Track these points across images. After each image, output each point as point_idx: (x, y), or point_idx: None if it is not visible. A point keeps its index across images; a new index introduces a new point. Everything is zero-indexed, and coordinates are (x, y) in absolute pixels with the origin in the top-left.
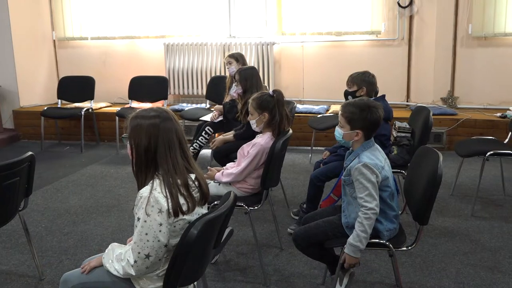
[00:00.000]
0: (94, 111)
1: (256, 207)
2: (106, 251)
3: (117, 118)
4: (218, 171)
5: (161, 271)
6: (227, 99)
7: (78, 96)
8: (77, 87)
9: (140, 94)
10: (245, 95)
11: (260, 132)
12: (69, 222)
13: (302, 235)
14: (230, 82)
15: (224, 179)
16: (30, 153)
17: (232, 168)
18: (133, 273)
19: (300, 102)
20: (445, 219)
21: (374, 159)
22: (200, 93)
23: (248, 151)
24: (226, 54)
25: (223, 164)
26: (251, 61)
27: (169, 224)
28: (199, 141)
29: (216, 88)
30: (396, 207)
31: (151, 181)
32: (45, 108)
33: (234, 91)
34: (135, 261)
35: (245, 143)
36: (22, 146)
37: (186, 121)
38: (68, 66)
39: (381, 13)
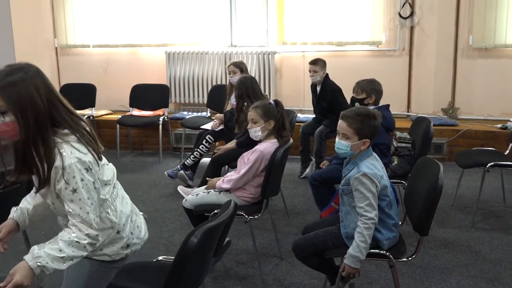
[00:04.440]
0: (95, 118)
1: (256, 216)
2: (34, 256)
3: (117, 125)
4: (218, 180)
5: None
6: (227, 107)
7: (79, 104)
8: (78, 94)
9: (141, 102)
10: (239, 102)
11: (260, 141)
12: None
13: (301, 245)
14: (230, 91)
15: (225, 186)
16: None
17: (232, 175)
18: (97, 243)
19: (301, 111)
20: (445, 230)
21: (373, 169)
22: (201, 101)
23: (248, 158)
24: (228, 63)
25: (218, 172)
26: (252, 70)
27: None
28: (200, 149)
29: (217, 96)
30: (395, 216)
31: (56, 148)
32: None
33: (235, 100)
34: (88, 234)
35: (245, 151)
36: None
37: (186, 129)
38: (69, 74)
39: (382, 24)
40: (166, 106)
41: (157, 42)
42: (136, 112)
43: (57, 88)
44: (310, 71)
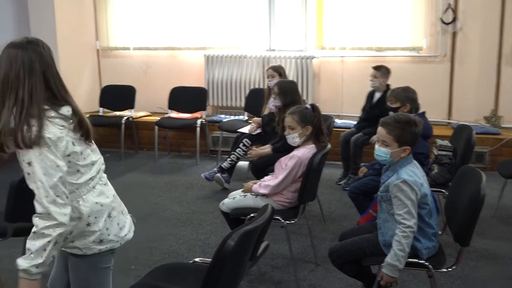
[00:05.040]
0: (134, 119)
1: (292, 221)
2: (17, 268)
3: (156, 127)
4: (255, 183)
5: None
6: (265, 111)
7: (119, 105)
8: (118, 96)
9: (179, 104)
10: (284, 109)
11: (298, 146)
12: None
13: (338, 251)
14: (268, 95)
15: (262, 191)
16: None
17: (269, 181)
18: (65, 222)
19: (339, 117)
20: (487, 241)
21: (413, 176)
22: (238, 105)
23: (286, 164)
24: (266, 67)
25: (259, 177)
26: (290, 74)
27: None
28: (237, 152)
29: (255, 100)
30: (435, 226)
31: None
32: (87, 115)
33: (273, 103)
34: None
35: (282, 156)
36: None
37: (224, 132)
38: (110, 75)
39: (423, 29)
40: (204, 109)
41: (197, 45)
42: (174, 114)
43: (98, 90)
44: (371, 76)
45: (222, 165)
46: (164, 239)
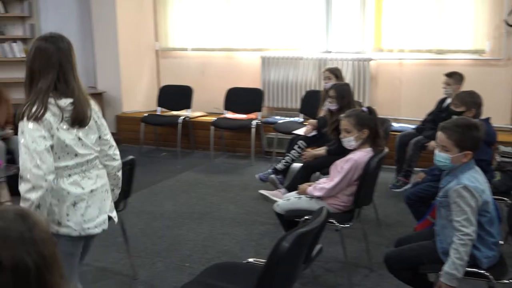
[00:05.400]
0: (191, 119)
1: (347, 225)
2: None
3: (212, 127)
4: (310, 185)
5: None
6: (321, 113)
7: (176, 105)
8: (176, 95)
9: (235, 105)
10: (338, 112)
11: (354, 149)
12: (163, 226)
13: (394, 257)
14: (325, 97)
15: (316, 193)
16: (131, 157)
17: (324, 183)
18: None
19: (396, 120)
20: None
21: (475, 182)
22: (294, 106)
23: (342, 167)
24: (322, 68)
25: (308, 178)
26: (346, 77)
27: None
28: (292, 154)
29: (310, 102)
30: (496, 235)
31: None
32: (146, 114)
33: (329, 106)
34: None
35: (337, 159)
36: (122, 150)
37: (279, 133)
38: (168, 75)
39: (486, 32)
40: (260, 110)
41: (253, 46)
42: (230, 115)
43: (156, 90)
44: (443, 83)
45: (277, 167)
46: (218, 238)
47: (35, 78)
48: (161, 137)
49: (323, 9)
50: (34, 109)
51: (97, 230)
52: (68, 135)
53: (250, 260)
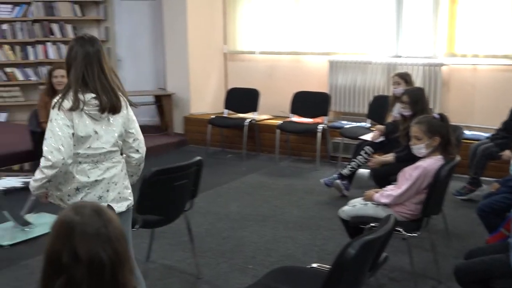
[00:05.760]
0: (257, 122)
1: (414, 234)
2: None
3: (278, 131)
4: (376, 192)
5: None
6: (389, 119)
7: (243, 107)
8: (243, 98)
9: (301, 108)
10: (411, 118)
11: (424, 157)
12: (228, 227)
13: (465, 270)
14: (393, 102)
15: (383, 200)
16: (198, 158)
17: (392, 190)
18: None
19: (468, 128)
20: None
21: None
22: (361, 111)
23: (411, 174)
24: (392, 73)
25: (381, 186)
26: (417, 82)
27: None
28: (358, 160)
29: (378, 107)
30: None
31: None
32: (213, 116)
33: (398, 111)
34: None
35: (405, 166)
36: (189, 150)
37: (345, 138)
38: (236, 78)
39: None
40: (326, 114)
41: (321, 50)
42: (296, 118)
43: (223, 92)
44: None
45: (342, 172)
46: (281, 241)
47: (69, 74)
48: (227, 139)
49: (394, 12)
50: (63, 101)
51: None
52: (85, 128)
53: (314, 265)
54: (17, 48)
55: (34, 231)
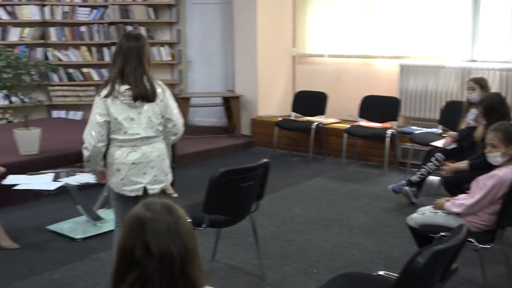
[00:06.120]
0: (324, 126)
1: (487, 246)
2: None
3: (345, 135)
4: (447, 200)
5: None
6: (462, 125)
7: (310, 110)
8: (310, 101)
9: (370, 113)
10: (490, 124)
11: (499, 165)
12: (293, 230)
13: None
14: (467, 108)
15: (455, 209)
16: (265, 160)
17: (464, 199)
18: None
19: None
20: None
21: None
22: (432, 117)
23: (485, 183)
24: (466, 78)
25: (453, 194)
26: (493, 87)
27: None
28: (428, 166)
29: (451, 113)
30: None
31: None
32: (280, 119)
33: (471, 118)
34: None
35: (479, 174)
36: (255, 152)
37: (415, 144)
38: (304, 81)
39: None
40: (395, 119)
41: (392, 54)
42: (364, 122)
43: (291, 95)
44: None
45: (411, 178)
46: (346, 247)
47: (115, 63)
48: (294, 142)
49: (469, 14)
50: (102, 90)
51: (131, 194)
52: (122, 115)
53: (381, 273)
54: (94, 49)
55: (105, 226)
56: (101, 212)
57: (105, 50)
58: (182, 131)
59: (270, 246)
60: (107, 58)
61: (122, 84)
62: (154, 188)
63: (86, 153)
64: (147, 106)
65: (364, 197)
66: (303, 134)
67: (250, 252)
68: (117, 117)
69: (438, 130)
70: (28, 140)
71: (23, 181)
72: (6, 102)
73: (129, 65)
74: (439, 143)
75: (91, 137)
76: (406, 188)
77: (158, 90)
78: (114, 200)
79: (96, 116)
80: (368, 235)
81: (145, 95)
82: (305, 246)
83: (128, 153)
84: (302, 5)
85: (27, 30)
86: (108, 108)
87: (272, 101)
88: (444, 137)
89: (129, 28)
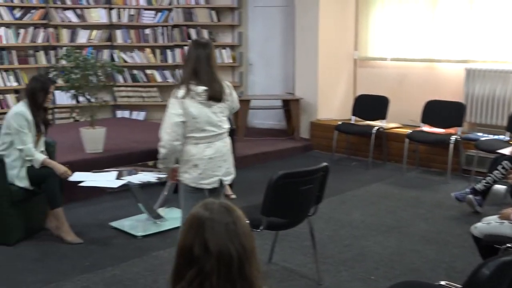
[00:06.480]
0: (385, 130)
1: None
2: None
3: (407, 140)
4: None
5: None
6: None
7: (371, 115)
8: (371, 105)
9: (433, 118)
10: None
11: None
12: (350, 235)
13: None
14: None
15: None
16: (325, 164)
17: None
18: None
19: None
20: None
21: None
22: (499, 123)
23: None
24: None
25: None
26: None
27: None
28: (494, 175)
29: None
30: None
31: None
32: (340, 123)
33: None
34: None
35: None
36: (314, 156)
37: (480, 151)
38: (365, 85)
39: None
40: (460, 125)
41: (457, 58)
42: (427, 128)
43: (351, 98)
44: None
45: (476, 187)
46: (406, 254)
47: (184, 69)
48: (353, 146)
49: None
50: (177, 91)
51: (208, 186)
52: (199, 114)
53: (442, 282)
54: (157, 51)
55: (165, 224)
56: (161, 211)
57: (168, 52)
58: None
59: (327, 251)
60: (170, 60)
61: (198, 85)
62: (227, 180)
63: (162, 151)
64: (219, 105)
65: (425, 204)
66: (363, 138)
67: (307, 255)
68: (196, 116)
69: (505, 137)
70: (94, 139)
71: (88, 178)
72: (73, 102)
73: (201, 68)
74: (506, 151)
75: (168, 136)
76: (470, 196)
77: (227, 91)
78: (186, 195)
79: (173, 116)
80: (429, 243)
81: (218, 95)
82: (363, 252)
83: (204, 149)
84: (365, 8)
85: (95, 32)
86: (187, 108)
87: (332, 105)
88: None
89: (192, 30)
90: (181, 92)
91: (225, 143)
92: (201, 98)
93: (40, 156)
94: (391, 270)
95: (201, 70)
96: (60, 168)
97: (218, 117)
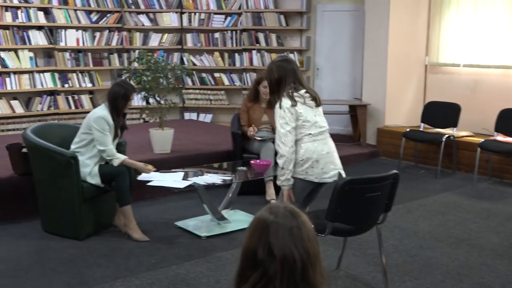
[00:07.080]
0: (456, 138)
1: None
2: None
3: (478, 149)
4: None
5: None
6: None
7: (441, 122)
8: (441, 113)
9: (508, 127)
10: None
11: None
12: (416, 245)
13: None
14: None
15: None
16: (394, 171)
17: None
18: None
19: None
20: None
21: None
22: None
23: None
24: None
25: None
26: None
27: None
28: None
29: None
30: None
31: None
32: (408, 130)
33: None
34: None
35: None
36: (380, 162)
37: None
38: (435, 91)
39: None
40: None
41: None
42: (501, 137)
43: (421, 105)
44: None
45: None
46: (475, 268)
47: (281, 82)
48: (421, 154)
49: None
50: (286, 102)
51: (330, 180)
52: (311, 114)
53: None
54: (226, 55)
55: (229, 226)
56: (225, 213)
57: (237, 56)
58: None
59: (392, 260)
60: (238, 64)
61: (298, 90)
62: (343, 172)
63: (281, 160)
64: (318, 108)
65: (497, 217)
66: (432, 146)
67: (370, 264)
68: (307, 116)
69: None
70: (162, 140)
71: (155, 178)
72: (143, 103)
73: (297, 79)
74: None
75: (284, 145)
76: None
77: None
78: (300, 186)
79: (284, 125)
80: (501, 258)
81: (318, 97)
82: (429, 263)
83: (322, 145)
84: (438, 12)
85: (166, 36)
86: (299, 112)
87: (400, 111)
88: None
89: (261, 35)
90: (285, 102)
91: (332, 141)
92: (307, 100)
93: (121, 156)
94: (458, 284)
95: (301, 80)
96: (140, 165)
97: (320, 116)
